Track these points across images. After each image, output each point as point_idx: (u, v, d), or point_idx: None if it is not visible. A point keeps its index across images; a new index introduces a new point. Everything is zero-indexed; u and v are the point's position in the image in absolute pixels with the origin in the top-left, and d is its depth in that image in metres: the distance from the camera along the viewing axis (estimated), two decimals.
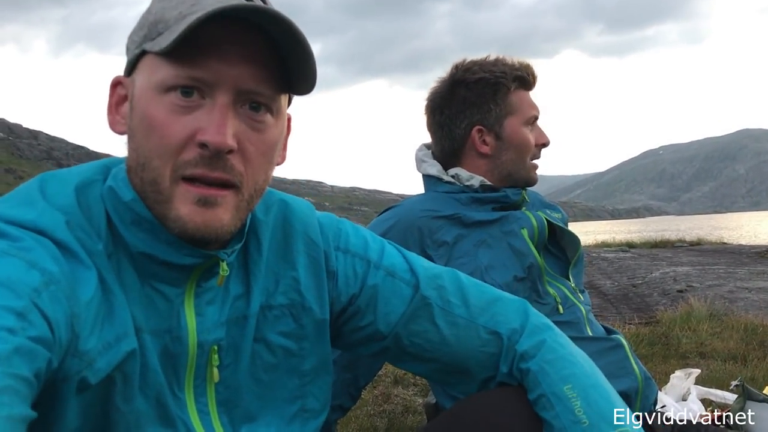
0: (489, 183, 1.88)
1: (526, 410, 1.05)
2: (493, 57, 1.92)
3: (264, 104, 0.88)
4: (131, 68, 0.90)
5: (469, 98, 1.91)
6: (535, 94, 1.95)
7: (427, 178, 1.96)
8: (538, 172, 1.97)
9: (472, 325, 1.10)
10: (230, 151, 0.84)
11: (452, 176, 1.91)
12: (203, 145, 0.83)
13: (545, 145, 1.94)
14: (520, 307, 1.15)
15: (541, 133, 1.94)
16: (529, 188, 2.03)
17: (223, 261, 0.93)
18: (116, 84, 0.93)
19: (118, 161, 0.95)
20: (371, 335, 1.09)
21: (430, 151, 2.00)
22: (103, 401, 0.83)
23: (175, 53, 0.82)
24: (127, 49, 0.92)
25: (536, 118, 1.93)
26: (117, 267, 0.87)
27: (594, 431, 0.99)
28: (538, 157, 1.94)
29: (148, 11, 0.89)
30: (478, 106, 1.90)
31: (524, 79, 1.90)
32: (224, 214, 0.87)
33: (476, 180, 1.87)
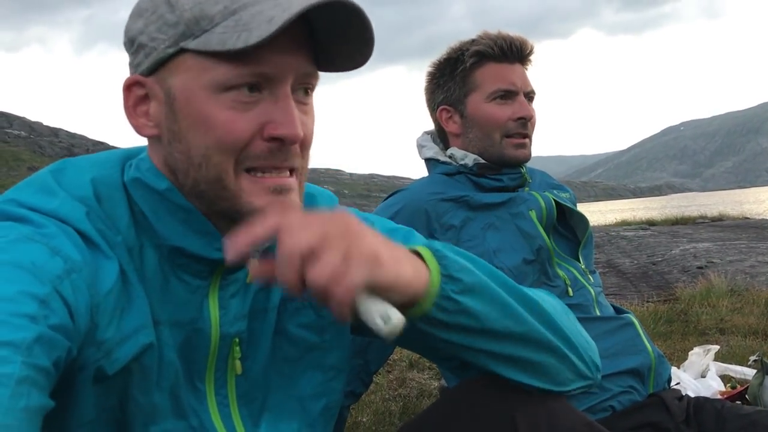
0: (483, 161, 1.85)
1: (527, 393, 1.02)
2: (481, 33, 1.87)
3: (311, 86, 0.89)
4: (157, 67, 0.86)
5: (435, 79, 1.92)
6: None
7: (427, 162, 1.97)
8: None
9: None
10: None
11: (449, 156, 1.90)
12: (275, 139, 0.84)
13: (524, 118, 1.82)
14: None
15: (519, 107, 1.82)
16: (536, 169, 2.02)
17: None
18: (132, 84, 0.88)
19: (135, 152, 0.94)
20: None
21: (430, 136, 2.00)
22: (120, 393, 0.83)
23: (235, 52, 0.80)
24: (143, 46, 0.87)
25: (508, 91, 1.82)
26: (139, 259, 0.86)
27: None
28: (520, 132, 1.83)
29: (176, 7, 0.84)
30: (441, 86, 1.90)
31: (486, 52, 1.81)
32: (295, 198, 0.88)
33: (470, 159, 1.85)
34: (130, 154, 0.94)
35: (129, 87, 0.88)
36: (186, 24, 0.83)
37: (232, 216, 0.87)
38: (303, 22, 0.84)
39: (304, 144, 0.89)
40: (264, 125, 0.84)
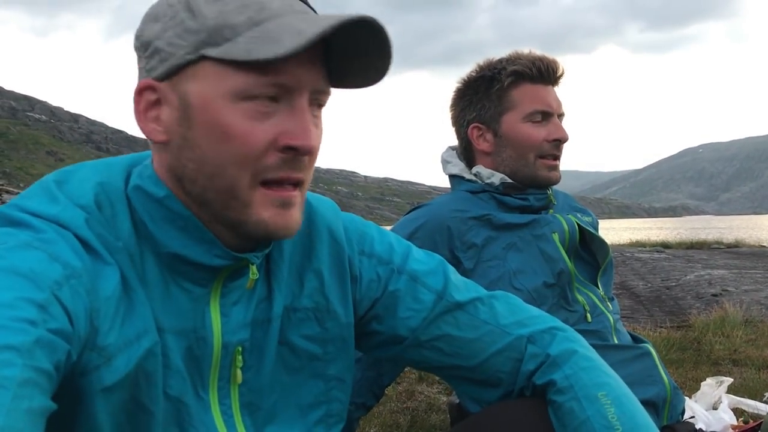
0: (510, 181, 1.84)
1: (547, 423, 1.03)
2: (513, 53, 1.86)
3: (324, 103, 0.90)
4: (173, 72, 0.85)
5: (467, 96, 1.90)
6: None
7: (452, 178, 1.95)
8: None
9: (497, 330, 1.08)
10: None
11: (474, 174, 1.89)
12: (289, 149, 0.85)
13: (560, 140, 1.83)
14: (549, 319, 1.14)
15: (554, 129, 1.82)
16: (559, 190, 2.00)
17: (253, 264, 0.93)
18: (144, 89, 0.87)
19: (141, 158, 0.94)
20: (391, 339, 1.08)
21: (455, 151, 1.99)
22: (127, 401, 0.83)
23: (260, 62, 0.81)
24: (159, 51, 0.86)
25: (545, 112, 1.82)
26: (141, 266, 0.86)
27: None
28: (553, 154, 1.83)
29: (198, 14, 0.84)
30: (474, 104, 1.88)
31: (524, 73, 1.80)
32: (297, 213, 0.90)
33: (497, 177, 1.84)
34: (136, 161, 0.94)
35: (141, 91, 0.88)
36: (208, 32, 0.83)
37: (235, 225, 0.88)
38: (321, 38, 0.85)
39: (312, 157, 0.89)
40: (278, 135, 0.85)
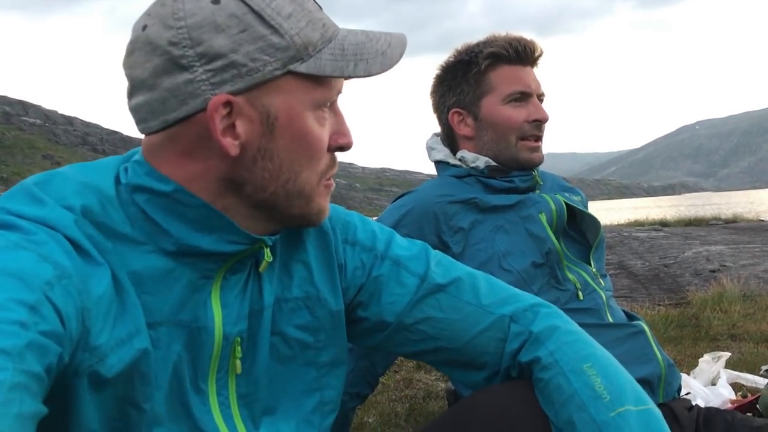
0: (494, 164, 1.83)
1: (533, 403, 1.03)
2: (490, 35, 1.85)
3: None
4: (254, 87, 0.85)
5: (446, 82, 1.89)
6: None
7: (437, 164, 1.95)
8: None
9: (480, 310, 1.09)
10: None
11: (459, 159, 1.88)
12: (340, 148, 0.95)
13: (540, 121, 1.82)
14: (531, 297, 1.14)
15: (534, 109, 1.81)
16: (546, 171, 1.99)
17: (267, 247, 0.94)
18: (222, 104, 0.84)
19: (123, 160, 0.93)
20: (376, 325, 1.09)
21: (439, 138, 1.98)
22: (120, 400, 0.82)
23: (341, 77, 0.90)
24: (237, 65, 0.84)
25: (524, 93, 1.81)
26: (137, 264, 0.85)
27: (616, 406, 0.97)
28: (535, 135, 1.82)
29: (281, 31, 0.85)
30: (453, 89, 1.87)
31: (501, 55, 1.79)
32: None
33: (481, 161, 1.83)
34: (120, 162, 0.93)
35: (217, 107, 0.84)
36: (296, 49, 0.86)
37: (292, 219, 0.95)
38: None
39: None
40: (331, 137, 0.93)
